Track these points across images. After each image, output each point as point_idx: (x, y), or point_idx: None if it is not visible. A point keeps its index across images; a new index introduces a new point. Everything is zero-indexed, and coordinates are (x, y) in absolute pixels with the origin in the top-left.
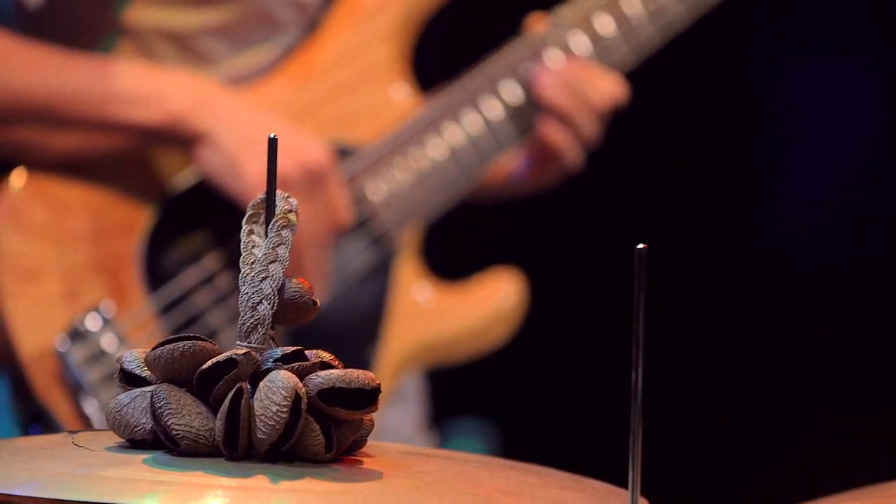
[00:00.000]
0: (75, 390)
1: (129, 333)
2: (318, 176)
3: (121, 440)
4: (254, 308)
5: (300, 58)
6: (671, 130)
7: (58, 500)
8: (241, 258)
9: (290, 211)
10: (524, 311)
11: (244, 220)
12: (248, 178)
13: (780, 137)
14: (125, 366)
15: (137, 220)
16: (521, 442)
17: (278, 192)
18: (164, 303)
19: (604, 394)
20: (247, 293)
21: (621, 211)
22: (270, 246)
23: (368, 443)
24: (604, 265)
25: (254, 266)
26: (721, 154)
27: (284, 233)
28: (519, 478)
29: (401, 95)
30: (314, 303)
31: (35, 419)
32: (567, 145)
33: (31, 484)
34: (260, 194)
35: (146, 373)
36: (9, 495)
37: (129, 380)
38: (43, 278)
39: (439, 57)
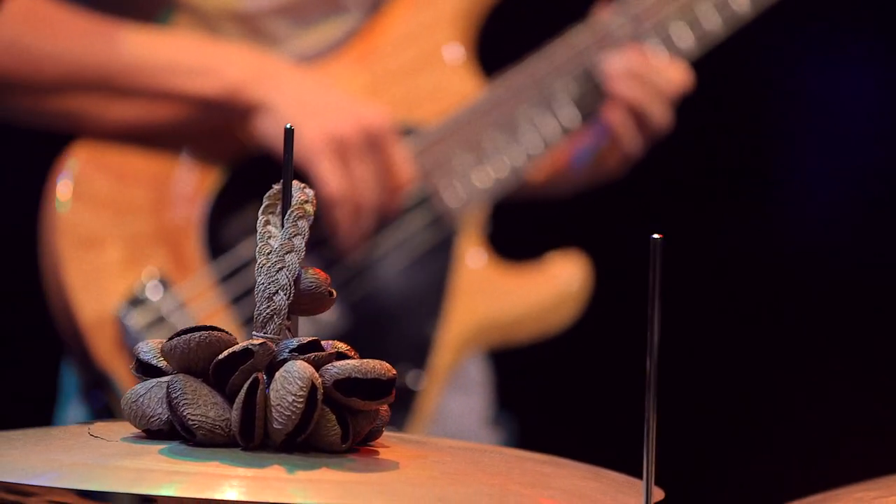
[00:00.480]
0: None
1: (188, 301)
2: (376, 137)
3: (137, 431)
4: (270, 298)
5: (363, 39)
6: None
7: (75, 489)
8: (257, 248)
9: (307, 201)
10: (588, 295)
11: (260, 211)
12: (305, 142)
13: (799, 130)
14: (141, 356)
15: (199, 189)
16: (538, 433)
17: (295, 182)
18: (224, 272)
19: (620, 386)
20: (263, 283)
21: (633, 204)
22: (287, 236)
23: (384, 433)
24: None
25: (270, 256)
26: (736, 146)
27: (301, 223)
28: (535, 468)
29: (463, 78)
30: (330, 293)
31: (95, 385)
32: (632, 134)
33: (49, 474)
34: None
35: (162, 363)
36: (27, 485)
37: (146, 370)
38: (103, 246)
39: (504, 40)
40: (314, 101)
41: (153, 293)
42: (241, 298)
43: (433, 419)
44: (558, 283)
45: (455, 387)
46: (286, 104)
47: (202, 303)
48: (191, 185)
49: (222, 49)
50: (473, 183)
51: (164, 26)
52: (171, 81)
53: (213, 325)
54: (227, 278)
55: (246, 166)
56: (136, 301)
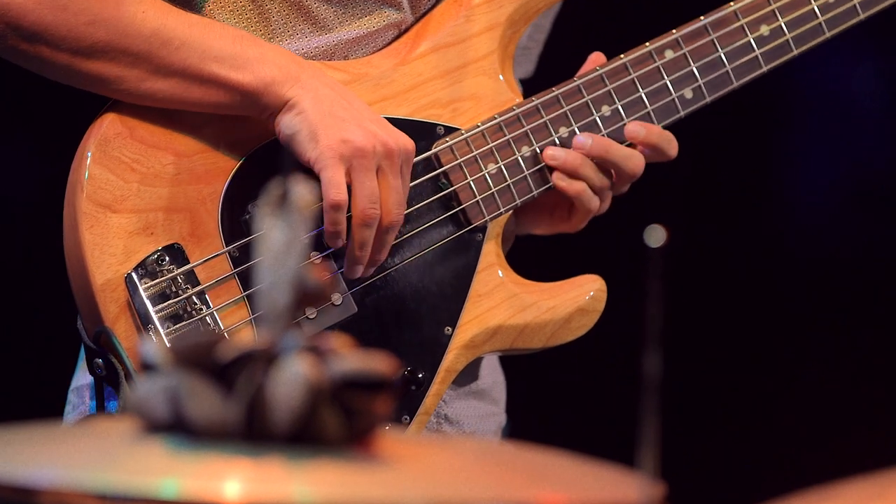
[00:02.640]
0: (143, 323)
1: (200, 274)
2: (391, 159)
3: (141, 425)
4: (271, 296)
5: (406, 38)
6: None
7: (79, 485)
8: (259, 247)
9: (308, 202)
10: (603, 312)
11: (263, 210)
12: (324, 145)
13: (801, 128)
14: (145, 353)
15: (222, 168)
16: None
17: (297, 183)
18: (239, 251)
19: (616, 383)
20: (265, 281)
21: (639, 194)
22: (288, 236)
23: (388, 428)
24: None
25: (271, 255)
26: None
27: (302, 223)
28: (536, 462)
29: (500, 87)
30: (329, 291)
31: (100, 345)
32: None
33: (53, 468)
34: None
35: (166, 359)
36: (30, 481)
37: (150, 366)
38: (122, 210)
39: (547, 50)
40: (338, 111)
41: (167, 263)
42: (255, 277)
43: (446, 423)
44: (579, 294)
45: (468, 392)
46: (311, 108)
47: (214, 276)
48: (214, 162)
49: (265, 47)
50: (500, 189)
51: (202, 9)
52: (208, 67)
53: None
54: (242, 256)
55: (269, 149)
56: (148, 268)
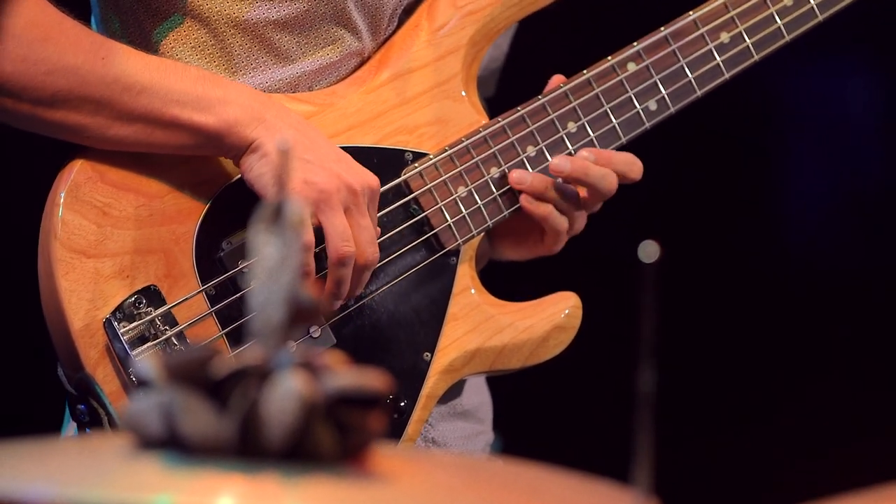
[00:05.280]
0: (123, 367)
1: (178, 315)
2: (357, 198)
3: (135, 441)
4: (265, 313)
5: (369, 65)
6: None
7: (72, 500)
8: (253, 264)
9: (301, 219)
10: (579, 327)
11: (253, 228)
12: (290, 186)
13: (796, 134)
14: (139, 369)
15: (194, 207)
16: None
17: (291, 200)
18: (216, 288)
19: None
20: (258, 298)
21: (632, 209)
22: (280, 253)
23: (381, 445)
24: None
25: (264, 272)
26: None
27: (294, 240)
28: (528, 479)
29: (469, 110)
30: (322, 308)
31: (81, 391)
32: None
33: (46, 484)
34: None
35: (160, 376)
36: (24, 497)
37: (144, 383)
38: (97, 255)
39: (512, 73)
40: (301, 153)
41: (144, 304)
42: (233, 314)
43: (433, 446)
44: (555, 311)
45: (453, 413)
46: (274, 147)
47: (193, 316)
48: (187, 201)
49: (228, 87)
50: (472, 212)
51: (175, 33)
52: (171, 110)
53: (204, 339)
54: (218, 293)
55: (241, 185)
56: (126, 313)
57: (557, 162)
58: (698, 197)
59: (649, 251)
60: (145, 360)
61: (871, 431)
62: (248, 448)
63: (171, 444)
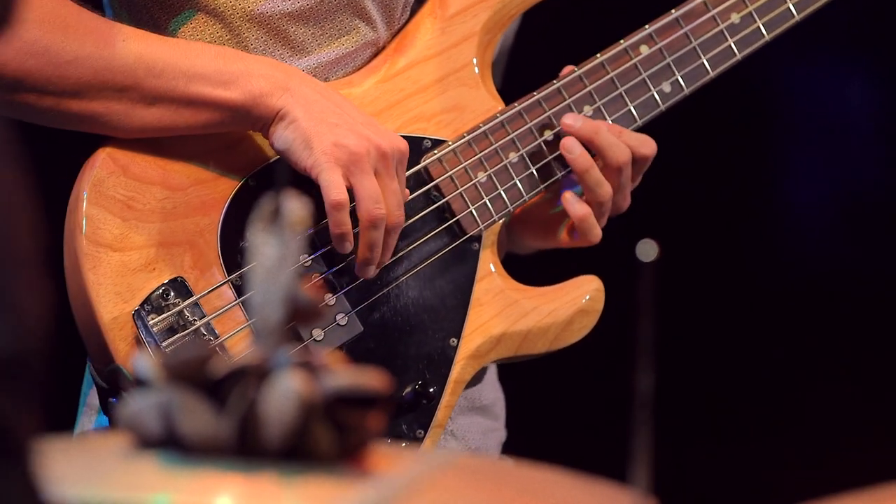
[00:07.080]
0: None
1: (205, 306)
2: (387, 160)
3: (133, 440)
4: (264, 311)
5: (384, 55)
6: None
7: (70, 499)
8: (253, 262)
9: (301, 217)
10: (596, 326)
11: (255, 227)
12: (318, 151)
13: (797, 136)
14: (138, 369)
15: (218, 198)
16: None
17: (291, 198)
18: (240, 279)
19: (612, 400)
20: (257, 296)
21: (630, 208)
22: (281, 252)
23: (381, 444)
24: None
25: (264, 270)
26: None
27: (294, 238)
28: (530, 478)
29: (481, 96)
30: (323, 306)
31: (112, 384)
32: (588, 217)
33: (45, 484)
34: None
35: (159, 375)
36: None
37: (142, 382)
38: (123, 248)
39: (527, 58)
40: (329, 117)
41: (172, 297)
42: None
43: (451, 438)
44: (578, 296)
45: (472, 407)
46: (302, 116)
47: (220, 307)
48: (211, 191)
49: (249, 60)
50: (492, 197)
51: (188, 27)
52: (195, 88)
53: (227, 332)
54: (243, 285)
55: (265, 173)
56: (155, 305)
57: (569, 120)
58: (697, 196)
59: (647, 250)
60: (144, 360)
61: (871, 431)
62: (246, 447)
63: (170, 443)
